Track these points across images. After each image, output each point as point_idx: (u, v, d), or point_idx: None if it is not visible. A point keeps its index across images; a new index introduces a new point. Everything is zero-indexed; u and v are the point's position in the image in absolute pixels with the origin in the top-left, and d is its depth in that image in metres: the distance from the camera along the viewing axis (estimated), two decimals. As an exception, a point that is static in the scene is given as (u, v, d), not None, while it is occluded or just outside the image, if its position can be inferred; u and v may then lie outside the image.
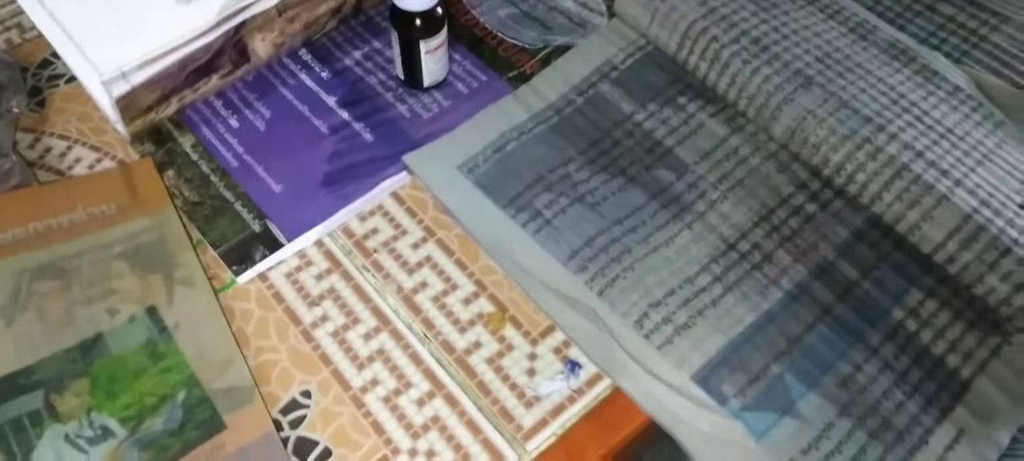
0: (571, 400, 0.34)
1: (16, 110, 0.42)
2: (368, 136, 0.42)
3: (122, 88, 0.39)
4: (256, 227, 0.39)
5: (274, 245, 0.38)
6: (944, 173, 0.38)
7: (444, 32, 0.42)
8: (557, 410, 0.34)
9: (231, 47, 0.42)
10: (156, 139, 0.42)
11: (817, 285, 0.37)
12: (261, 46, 0.43)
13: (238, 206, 0.39)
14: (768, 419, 0.33)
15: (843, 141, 0.39)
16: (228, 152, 0.41)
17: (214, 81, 0.43)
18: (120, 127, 0.41)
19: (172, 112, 0.43)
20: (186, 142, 0.42)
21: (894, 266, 0.38)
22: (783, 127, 0.40)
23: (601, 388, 0.35)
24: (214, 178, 0.41)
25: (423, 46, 0.41)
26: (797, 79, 0.41)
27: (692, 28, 0.43)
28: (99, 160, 0.42)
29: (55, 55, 0.45)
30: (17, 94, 0.42)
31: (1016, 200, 0.38)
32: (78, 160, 0.42)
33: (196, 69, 0.41)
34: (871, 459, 0.32)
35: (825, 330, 0.36)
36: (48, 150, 0.42)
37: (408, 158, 0.40)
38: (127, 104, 0.40)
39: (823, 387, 0.34)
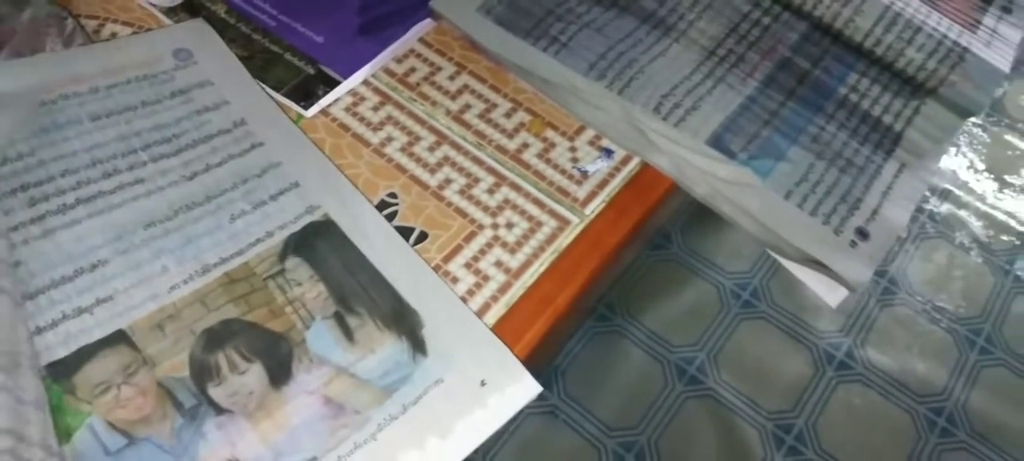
0: (611, 175, 0.42)
1: (47, -11, 0.43)
2: (390, -8, 0.47)
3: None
4: (310, 70, 0.43)
5: (330, 83, 0.43)
6: (865, -21, 0.48)
7: None
8: (602, 183, 0.41)
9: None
10: (189, 10, 0.45)
11: (782, 75, 0.46)
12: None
13: (288, 56, 0.43)
14: (768, 164, 0.42)
15: (788, -39, 0.48)
16: (263, 14, 0.45)
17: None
18: (156, -1, 0.44)
19: (200, -15, 0.46)
20: (219, 9, 0.45)
21: (835, 57, 0.47)
22: (740, -44, 0.49)
23: (633, 164, 0.42)
24: (257, 36, 0.44)
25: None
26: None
27: None
28: (136, 33, 0.44)
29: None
30: (44, -24, 0.44)
31: (917, -3, 0.49)
32: (115, 35, 0.44)
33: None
34: (844, 185, 0.42)
35: (794, 105, 0.45)
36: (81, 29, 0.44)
37: (435, 3, 0.46)
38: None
39: (801, 142, 0.43)
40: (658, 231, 1.30)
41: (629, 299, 1.26)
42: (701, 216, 1.32)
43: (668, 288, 1.29)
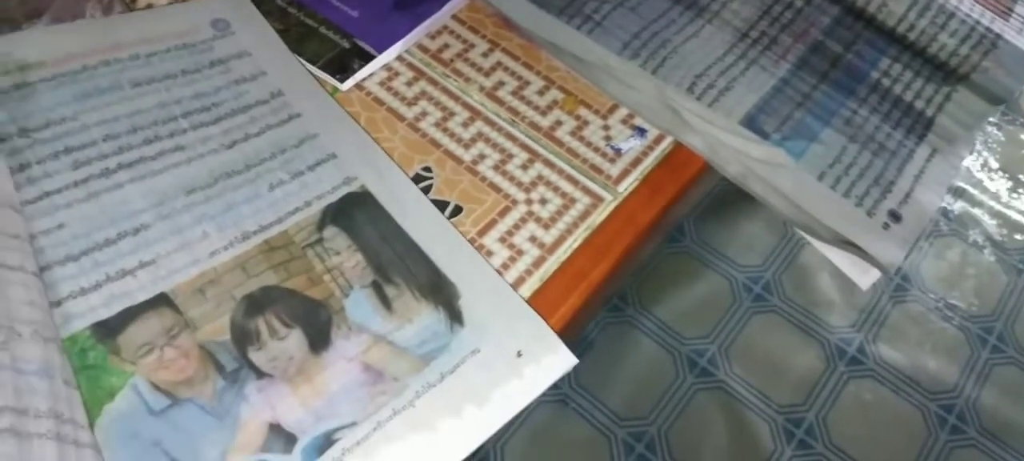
0: (644, 154, 0.42)
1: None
2: (424, -31, 0.47)
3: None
4: (346, 44, 0.43)
5: (365, 57, 0.43)
6: (898, -35, 0.48)
7: None
8: (635, 161, 0.41)
9: None
10: (225, -18, 0.45)
11: (814, 58, 0.46)
12: None
13: (323, 30, 0.44)
14: (801, 146, 0.42)
15: (822, -55, 0.48)
16: (298, -11, 0.45)
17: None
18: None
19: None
20: (255, -17, 0.45)
21: (867, 41, 0.47)
22: (773, -61, 0.49)
23: (666, 143, 0.42)
24: (292, 9, 0.44)
25: None
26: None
27: None
28: (174, 3, 0.44)
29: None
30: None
31: (950, -17, 0.49)
32: (151, 5, 0.44)
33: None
34: (876, 168, 0.42)
35: (826, 88, 0.45)
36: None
37: (470, -20, 0.46)
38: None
39: (834, 125, 0.43)
40: (672, 223, 1.30)
41: (641, 290, 1.26)
42: (715, 209, 1.32)
43: (681, 280, 1.29)
